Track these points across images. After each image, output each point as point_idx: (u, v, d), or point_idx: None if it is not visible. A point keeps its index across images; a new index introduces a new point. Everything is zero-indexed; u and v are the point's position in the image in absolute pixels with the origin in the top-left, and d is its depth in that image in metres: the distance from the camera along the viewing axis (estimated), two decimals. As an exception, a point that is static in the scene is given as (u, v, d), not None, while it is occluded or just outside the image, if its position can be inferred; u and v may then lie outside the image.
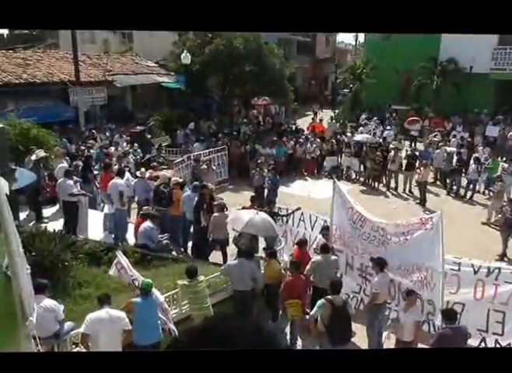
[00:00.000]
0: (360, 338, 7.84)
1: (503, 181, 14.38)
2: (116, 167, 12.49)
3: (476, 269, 8.02)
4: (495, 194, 14.33)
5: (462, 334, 6.51)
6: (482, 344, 7.81)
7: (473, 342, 7.83)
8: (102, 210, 12.02)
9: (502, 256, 11.44)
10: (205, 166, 15.29)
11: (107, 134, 19.95)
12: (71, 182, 10.82)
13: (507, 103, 28.42)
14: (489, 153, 18.23)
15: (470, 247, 10.94)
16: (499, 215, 11.99)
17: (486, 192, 16.69)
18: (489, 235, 12.39)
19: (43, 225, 10.02)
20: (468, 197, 16.20)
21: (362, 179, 18.50)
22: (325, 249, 8.51)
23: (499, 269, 8.01)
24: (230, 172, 18.06)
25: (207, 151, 17.36)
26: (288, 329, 8.12)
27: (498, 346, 7.69)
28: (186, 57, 22.26)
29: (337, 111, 31.62)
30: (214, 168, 16.18)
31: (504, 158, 18.38)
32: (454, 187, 16.70)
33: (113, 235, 11.15)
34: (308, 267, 8.32)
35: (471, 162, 16.71)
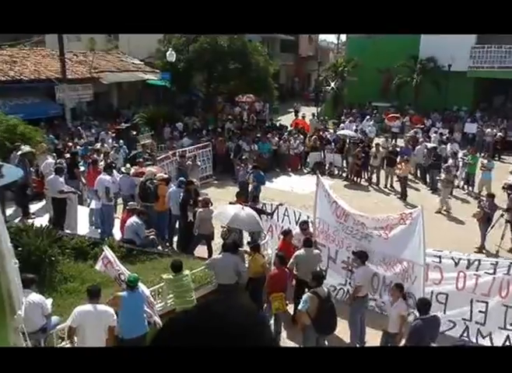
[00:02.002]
0: (342, 330, 8.00)
1: (450, 171, 14.88)
2: (102, 163, 12.53)
3: (457, 261, 8.28)
4: (443, 184, 14.83)
5: (434, 324, 6.72)
6: (465, 333, 8.08)
7: (457, 330, 8.11)
8: (88, 206, 12.06)
9: (480, 249, 11.73)
10: (190, 162, 15.39)
11: (93, 130, 19.99)
12: (61, 179, 10.85)
13: (485, 101, 29.01)
14: (461, 149, 18.67)
15: (449, 240, 11.21)
16: (478, 209, 12.28)
17: (466, 187, 17.11)
18: (468, 228, 12.68)
19: (30, 221, 10.02)
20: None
21: (344, 174, 18.79)
22: (308, 243, 8.64)
23: (479, 260, 8.28)
24: (215, 168, 18.20)
25: (192, 147, 17.59)
26: (272, 322, 8.26)
27: (480, 336, 7.96)
28: (171, 55, 22.36)
29: (319, 108, 31.87)
30: (199, 164, 16.31)
31: (483, 154, 18.81)
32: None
33: (99, 230, 11.20)
34: (291, 261, 8.46)
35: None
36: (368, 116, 25.09)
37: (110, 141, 18.27)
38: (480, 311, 8.04)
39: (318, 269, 8.53)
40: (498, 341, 7.80)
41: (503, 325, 7.84)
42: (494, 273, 7.93)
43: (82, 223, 11.42)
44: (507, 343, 7.75)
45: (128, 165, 12.95)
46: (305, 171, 19.57)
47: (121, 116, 23.74)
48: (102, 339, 6.12)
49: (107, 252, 7.45)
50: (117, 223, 11.01)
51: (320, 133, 21.01)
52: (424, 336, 6.49)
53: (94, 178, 11.39)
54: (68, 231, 10.33)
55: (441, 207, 14.60)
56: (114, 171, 12.00)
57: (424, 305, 6.73)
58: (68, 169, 12.09)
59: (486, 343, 7.81)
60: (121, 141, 17.73)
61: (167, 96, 25.55)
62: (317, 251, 8.80)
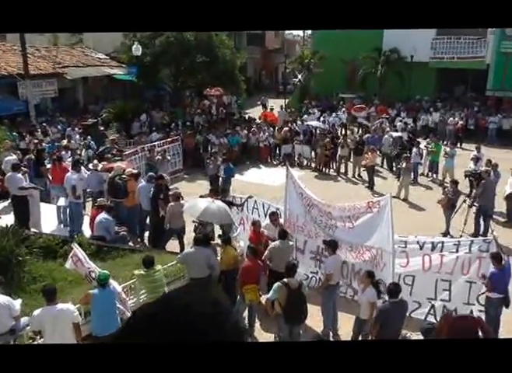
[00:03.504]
0: (315, 317, 8.17)
1: (410, 160, 15.33)
2: (69, 160, 12.35)
3: (421, 244, 8.56)
4: (403, 171, 15.26)
5: (402, 308, 6.95)
6: (431, 311, 8.36)
7: (423, 309, 8.39)
8: (55, 204, 11.87)
9: (445, 234, 12.08)
10: (159, 157, 15.31)
11: (59, 127, 19.60)
12: (19, 175, 10.62)
13: (446, 90, 29.76)
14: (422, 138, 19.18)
15: (415, 226, 11.52)
16: (442, 196, 12.64)
17: (430, 174, 17.57)
18: (433, 214, 13.02)
19: (-4, 221, 9.82)
20: (412, 180, 16.91)
21: (313, 165, 19.01)
22: (283, 235, 8.72)
23: (442, 242, 8.61)
24: (185, 163, 18.16)
25: (161, 141, 17.48)
26: (246, 313, 8.35)
27: (445, 311, 8.25)
28: (137, 49, 22.09)
29: (287, 100, 32.05)
30: (168, 158, 16.25)
31: (445, 142, 19.34)
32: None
33: (68, 228, 11.05)
34: (266, 253, 8.55)
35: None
36: (339, 112, 25.37)
37: (78, 137, 18.00)
38: (444, 290, 8.35)
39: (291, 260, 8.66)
40: None
41: (467, 300, 8.17)
42: (457, 251, 8.25)
43: (50, 221, 11.24)
44: None
45: (96, 161, 12.77)
46: (275, 163, 19.72)
47: (88, 112, 23.39)
48: (68, 337, 6.06)
49: (77, 249, 7.39)
50: (86, 220, 10.89)
51: (289, 124, 21.17)
52: (390, 317, 6.72)
53: (59, 175, 11.22)
54: (33, 229, 10.15)
55: (398, 193, 14.96)
56: (82, 167, 11.86)
57: (394, 290, 6.95)
58: (33, 166, 11.87)
59: None
60: (89, 137, 17.51)
61: (134, 91, 25.29)
62: (291, 242, 8.92)
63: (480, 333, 1.01)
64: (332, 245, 8.29)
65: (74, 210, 10.91)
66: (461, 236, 11.74)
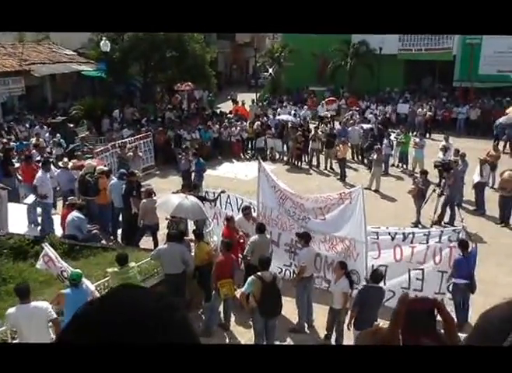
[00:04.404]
0: (290, 310, 8.25)
1: (381, 151, 15.60)
2: (38, 158, 12.13)
3: (393, 235, 8.72)
4: (374, 162, 15.53)
5: (379, 294, 7.11)
6: None
7: (397, 298, 8.55)
8: (25, 204, 11.62)
9: (416, 224, 12.33)
10: (131, 153, 15.15)
11: (27, 125, 19.19)
12: None
13: (414, 82, 30.25)
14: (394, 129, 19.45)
15: (387, 217, 11.74)
16: (412, 186, 12.88)
17: (400, 165, 17.88)
18: (405, 204, 13.26)
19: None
20: (383, 171, 17.14)
21: (285, 158, 19.10)
22: (261, 229, 8.73)
23: (413, 233, 8.79)
24: (157, 159, 18.00)
25: (132, 138, 17.34)
26: (221, 308, 8.38)
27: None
28: (105, 45, 21.73)
29: (259, 94, 32.07)
30: (140, 154, 16.11)
31: (415, 133, 19.68)
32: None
33: (39, 228, 10.86)
34: (247, 248, 8.58)
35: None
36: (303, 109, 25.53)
37: (47, 135, 17.67)
38: (417, 279, 8.54)
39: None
40: None
41: (439, 290, 8.37)
42: (427, 242, 8.44)
43: (21, 221, 11.02)
44: None
45: (66, 159, 12.58)
46: (247, 157, 19.74)
47: (57, 110, 22.96)
48: (44, 335, 5.99)
49: (48, 249, 7.29)
50: (57, 219, 10.72)
51: (261, 119, 21.20)
52: (368, 302, 6.89)
53: (28, 174, 11.01)
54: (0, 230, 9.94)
55: (370, 184, 15.18)
56: (52, 166, 11.66)
57: (375, 276, 7.20)
58: (1, 166, 11.62)
59: None
60: (58, 135, 17.22)
61: (104, 87, 24.92)
62: (269, 236, 8.95)
63: (438, 316, 1.05)
64: (305, 237, 8.37)
65: (44, 210, 10.72)
66: (431, 225, 12.03)
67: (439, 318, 0.96)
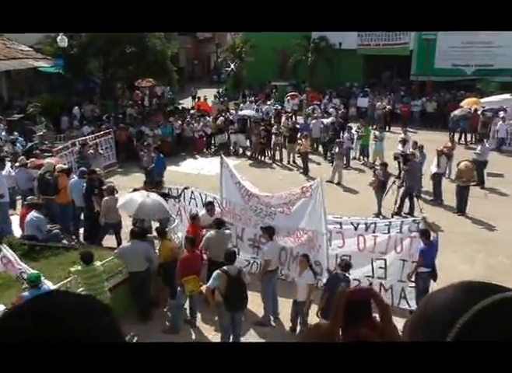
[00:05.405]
0: (255, 304, 8.31)
1: (342, 145, 15.88)
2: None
3: (356, 225, 8.92)
4: (336, 156, 15.82)
5: (346, 282, 7.28)
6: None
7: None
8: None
9: (377, 214, 12.63)
10: (91, 151, 14.85)
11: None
12: None
13: (373, 76, 30.85)
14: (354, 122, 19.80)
15: (349, 208, 11.94)
16: (373, 178, 13.17)
17: (361, 157, 18.23)
18: (366, 196, 13.54)
19: None
20: (344, 164, 17.43)
21: (248, 153, 19.16)
22: (219, 224, 8.70)
23: (375, 223, 9.01)
24: (118, 156, 17.72)
25: (93, 135, 17.02)
26: (187, 305, 8.37)
27: (382, 289, 8.66)
28: (62, 40, 21.19)
29: (221, 89, 32.00)
30: (101, 152, 15.83)
31: (374, 126, 20.09)
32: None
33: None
34: (202, 243, 8.55)
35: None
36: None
37: (4, 133, 17.12)
38: (380, 268, 8.77)
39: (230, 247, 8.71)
40: (396, 294, 8.60)
41: (400, 277, 8.63)
42: (388, 232, 8.67)
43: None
44: (402, 295, 8.57)
45: (23, 157, 12.24)
46: (211, 153, 19.69)
47: (13, 107, 22.25)
48: None
49: (6, 251, 7.11)
50: (15, 220, 10.44)
51: (223, 114, 21.17)
52: (335, 289, 7.03)
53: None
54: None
55: (332, 177, 15.44)
56: (8, 165, 11.34)
57: (344, 264, 7.53)
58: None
59: (388, 295, 8.53)
60: (16, 133, 16.73)
61: (62, 84, 24.29)
62: (228, 231, 8.90)
63: (373, 303, 1.09)
64: (269, 232, 8.44)
65: (0, 211, 10.41)
66: (392, 215, 12.34)
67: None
